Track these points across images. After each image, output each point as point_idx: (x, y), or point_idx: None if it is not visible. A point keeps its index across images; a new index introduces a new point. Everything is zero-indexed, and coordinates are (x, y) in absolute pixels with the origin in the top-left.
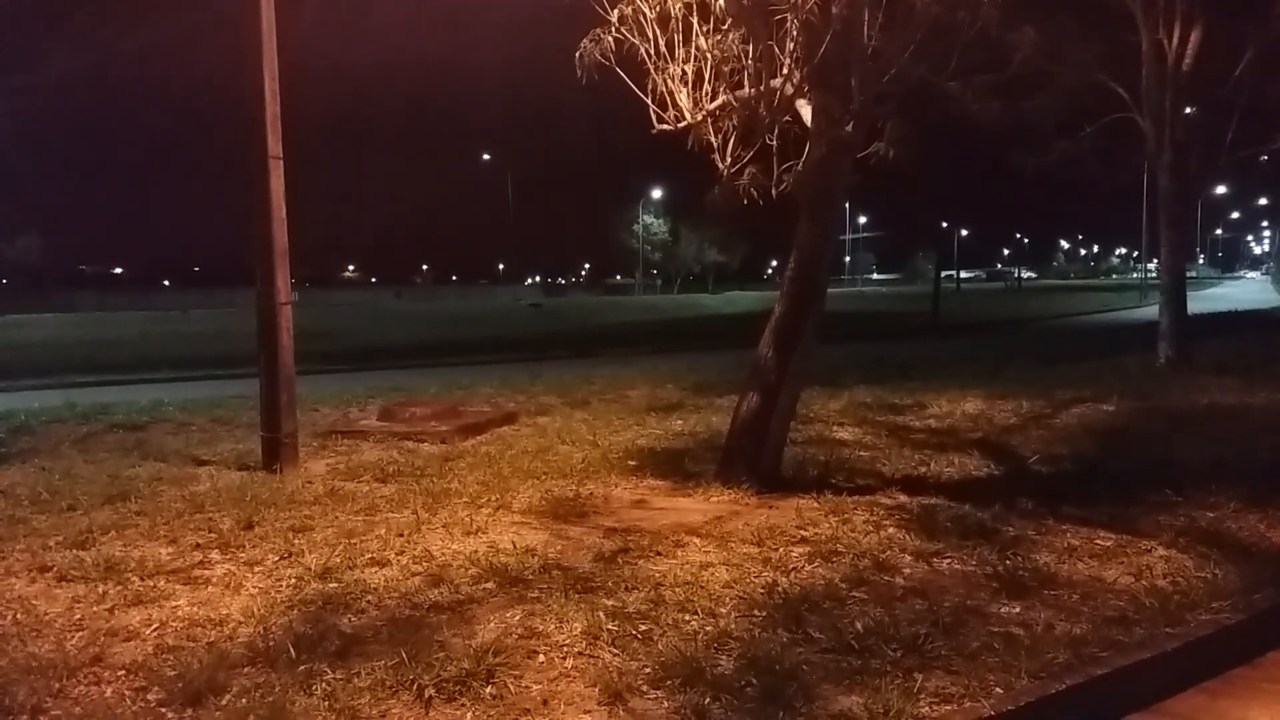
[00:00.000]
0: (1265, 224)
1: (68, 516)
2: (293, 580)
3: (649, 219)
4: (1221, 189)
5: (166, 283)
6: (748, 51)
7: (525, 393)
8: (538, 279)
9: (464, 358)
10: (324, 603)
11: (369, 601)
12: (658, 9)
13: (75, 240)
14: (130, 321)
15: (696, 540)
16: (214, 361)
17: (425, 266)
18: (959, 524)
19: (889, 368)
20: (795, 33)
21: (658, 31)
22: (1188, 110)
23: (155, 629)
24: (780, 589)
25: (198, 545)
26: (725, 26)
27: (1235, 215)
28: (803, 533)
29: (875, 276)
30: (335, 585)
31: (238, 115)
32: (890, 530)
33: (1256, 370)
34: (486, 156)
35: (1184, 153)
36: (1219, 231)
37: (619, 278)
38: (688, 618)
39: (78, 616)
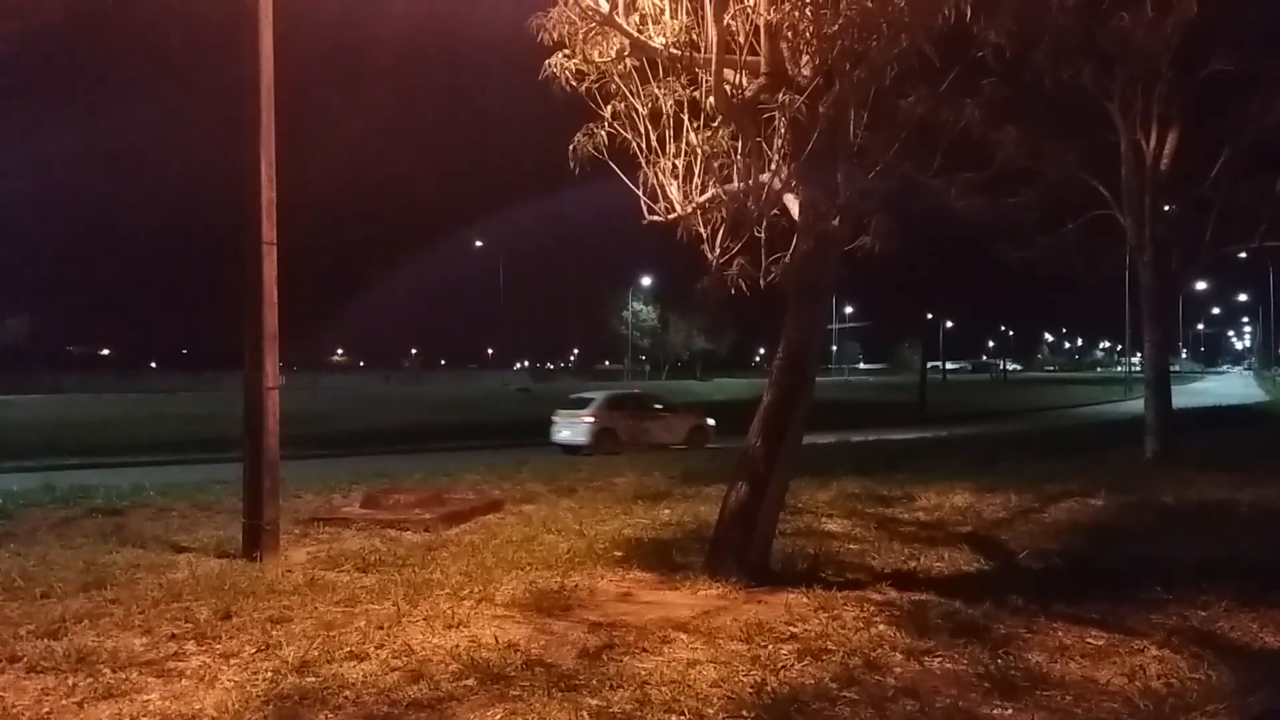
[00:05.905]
0: (1245, 319)
1: (41, 604)
2: (269, 674)
3: (639, 306)
4: (1202, 285)
5: (154, 364)
6: (737, 147)
7: (511, 479)
8: (526, 364)
9: (450, 443)
10: (300, 698)
11: (346, 697)
12: (649, 106)
13: (63, 321)
14: (115, 403)
15: (684, 636)
16: (198, 445)
17: (414, 350)
18: (950, 621)
19: (877, 458)
20: (783, 130)
21: (649, 126)
22: (1167, 208)
23: None
24: (769, 688)
25: (173, 636)
26: (715, 123)
27: (1216, 310)
28: (792, 629)
29: (862, 366)
30: (312, 679)
31: (232, 200)
32: (881, 627)
33: (1243, 465)
34: (479, 243)
35: (1164, 249)
36: (1201, 326)
37: (608, 363)
38: (674, 718)
39: (46, 710)
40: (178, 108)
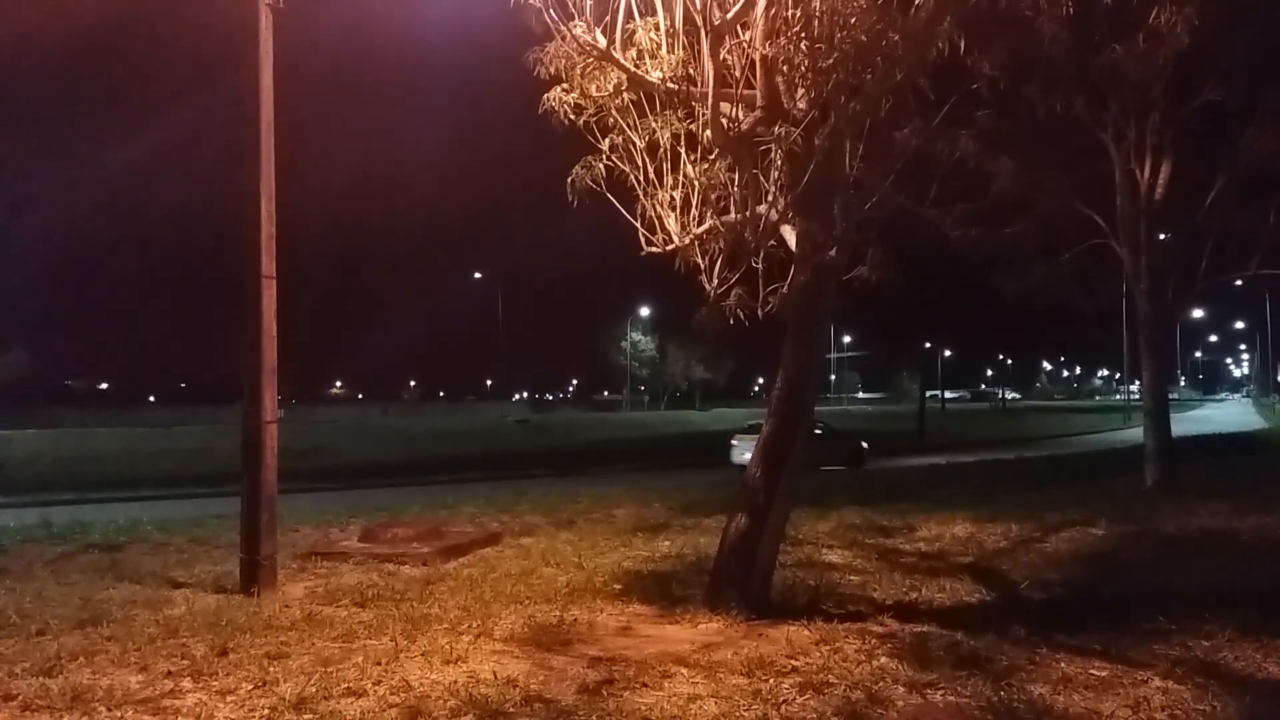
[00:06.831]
0: (1243, 347)
1: (36, 641)
2: (266, 711)
3: (637, 336)
4: (1199, 312)
5: (152, 399)
6: (734, 179)
7: (510, 512)
8: (525, 394)
9: (449, 475)
10: None
11: None
12: (647, 138)
13: (62, 355)
14: (113, 437)
15: (684, 671)
16: (196, 479)
17: (413, 383)
18: (952, 653)
19: (877, 488)
20: (779, 162)
21: (647, 159)
22: (1162, 237)
23: None
24: None
25: (169, 673)
26: (712, 156)
27: (1213, 338)
28: (793, 662)
29: (861, 395)
30: (310, 717)
31: (232, 235)
32: (882, 659)
33: (1243, 493)
34: (478, 275)
35: (1161, 278)
36: (1199, 354)
37: (607, 393)
38: None
39: None
40: (178, 142)
